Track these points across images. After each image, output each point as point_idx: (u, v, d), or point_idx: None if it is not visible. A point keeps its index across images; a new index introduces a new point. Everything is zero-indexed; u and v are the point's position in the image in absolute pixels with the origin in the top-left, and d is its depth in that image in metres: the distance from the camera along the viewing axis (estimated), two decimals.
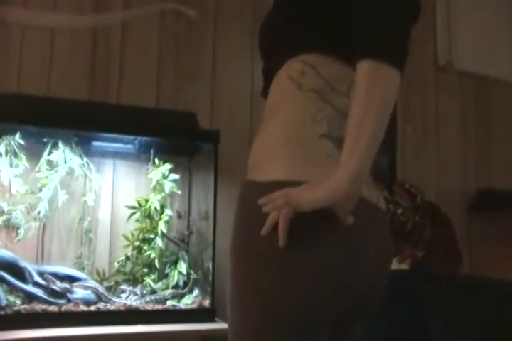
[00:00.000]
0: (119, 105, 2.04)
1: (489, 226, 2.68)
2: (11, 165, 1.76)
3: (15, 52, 1.96)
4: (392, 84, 0.85)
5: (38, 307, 1.65)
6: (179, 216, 2.03)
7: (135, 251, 1.89)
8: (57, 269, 1.78)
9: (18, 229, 1.78)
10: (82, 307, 1.70)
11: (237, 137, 2.12)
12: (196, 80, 2.21)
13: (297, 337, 0.85)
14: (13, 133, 1.75)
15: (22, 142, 1.76)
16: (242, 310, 0.89)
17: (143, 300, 1.80)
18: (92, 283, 1.78)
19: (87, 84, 2.04)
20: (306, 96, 0.94)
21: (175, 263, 1.93)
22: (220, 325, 1.73)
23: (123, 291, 1.85)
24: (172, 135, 1.89)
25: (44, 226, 1.87)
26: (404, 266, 1.93)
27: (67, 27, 2.03)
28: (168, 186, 1.92)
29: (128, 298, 1.81)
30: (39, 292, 1.68)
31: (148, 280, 1.87)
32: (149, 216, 1.91)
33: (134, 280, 1.88)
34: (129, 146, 1.96)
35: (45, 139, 1.81)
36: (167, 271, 1.93)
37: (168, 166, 1.92)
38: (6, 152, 1.75)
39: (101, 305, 1.73)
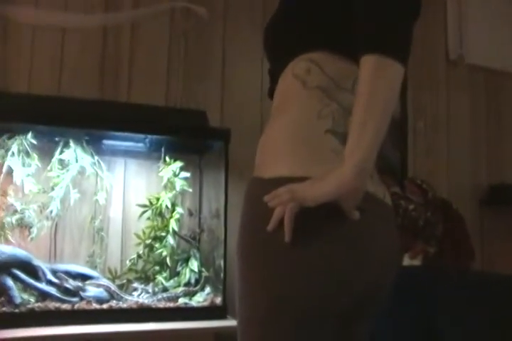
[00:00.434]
0: (129, 104, 2.05)
1: (501, 221, 2.67)
2: (24, 165, 1.77)
3: (26, 51, 1.97)
4: (396, 79, 0.85)
5: (52, 305, 1.66)
6: (190, 214, 2.04)
7: (147, 249, 1.90)
8: (70, 267, 1.80)
9: (30, 227, 1.79)
10: (95, 305, 1.71)
11: (247, 135, 2.10)
12: (206, 79, 2.21)
13: (304, 333, 0.85)
14: (25, 132, 1.76)
15: (34, 141, 1.77)
16: (250, 306, 0.89)
17: (155, 298, 1.81)
18: (105, 281, 1.79)
19: (98, 83, 2.05)
20: (311, 95, 0.94)
21: (186, 261, 1.94)
22: (231, 323, 1.73)
23: (135, 289, 1.86)
24: (183, 133, 1.89)
25: (56, 225, 1.88)
26: (416, 262, 1.92)
27: (77, 26, 2.04)
28: (179, 184, 1.92)
29: (140, 296, 1.82)
30: (52, 290, 1.70)
31: (160, 278, 1.88)
32: (160, 214, 1.91)
33: (146, 278, 1.89)
34: (140, 145, 1.97)
35: (56, 138, 1.82)
36: (179, 268, 1.94)
37: (179, 164, 1.92)
38: (19, 151, 1.76)
39: (113, 303, 1.75)
